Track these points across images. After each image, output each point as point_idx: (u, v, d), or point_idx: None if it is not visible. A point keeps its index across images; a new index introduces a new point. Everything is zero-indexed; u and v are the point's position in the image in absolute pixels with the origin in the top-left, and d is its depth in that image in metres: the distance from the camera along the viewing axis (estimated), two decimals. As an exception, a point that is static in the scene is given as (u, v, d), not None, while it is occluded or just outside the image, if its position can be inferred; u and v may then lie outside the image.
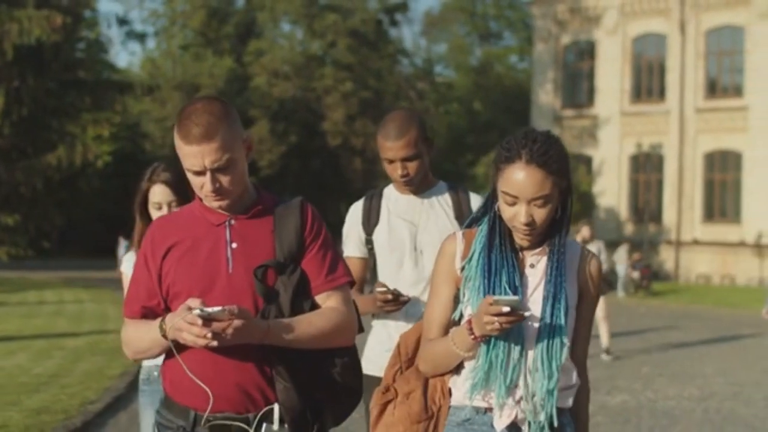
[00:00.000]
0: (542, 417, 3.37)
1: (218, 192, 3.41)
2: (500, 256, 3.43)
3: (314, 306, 3.52)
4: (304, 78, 57.54)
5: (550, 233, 3.44)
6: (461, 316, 3.49)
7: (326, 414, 3.51)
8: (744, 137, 43.63)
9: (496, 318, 3.16)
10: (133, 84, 42.04)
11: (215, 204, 3.48)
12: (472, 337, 3.32)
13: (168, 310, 3.47)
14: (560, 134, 47.84)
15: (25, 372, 12.26)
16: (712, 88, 45.60)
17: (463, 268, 3.50)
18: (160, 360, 4.39)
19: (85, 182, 43.85)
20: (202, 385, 3.33)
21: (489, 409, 3.44)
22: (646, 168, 46.36)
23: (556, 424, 3.38)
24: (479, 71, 72.20)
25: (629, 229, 46.27)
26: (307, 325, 3.41)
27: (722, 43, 45.21)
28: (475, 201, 4.77)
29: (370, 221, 4.85)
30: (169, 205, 4.92)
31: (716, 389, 12.73)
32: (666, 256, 44.97)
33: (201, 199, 3.56)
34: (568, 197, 3.44)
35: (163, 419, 3.55)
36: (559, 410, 3.40)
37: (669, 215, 45.52)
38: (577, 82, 50.27)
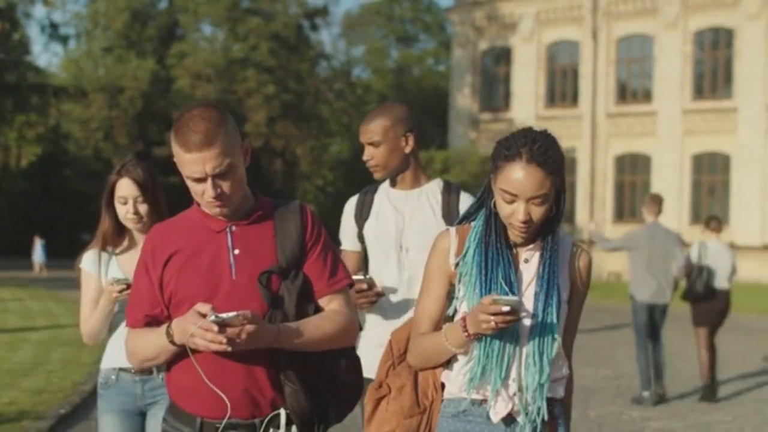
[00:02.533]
0: (534, 409, 3.41)
1: (220, 198, 3.38)
2: (496, 252, 3.45)
3: (317, 309, 3.52)
4: (226, 80, 58.12)
5: (544, 229, 3.47)
6: (455, 311, 3.52)
7: (330, 413, 3.51)
8: (652, 141, 45.25)
9: (492, 317, 3.19)
10: (66, 88, 42.60)
11: (216, 211, 3.45)
12: (466, 334, 3.34)
13: (170, 317, 3.45)
14: (477, 137, 49.31)
15: (6, 361, 13.33)
16: (623, 94, 47.17)
17: (457, 264, 3.52)
18: (121, 363, 4.71)
19: (9, 182, 44.29)
20: (220, 393, 3.34)
21: (484, 401, 3.46)
22: (560, 170, 47.85)
23: (546, 416, 3.42)
24: (397, 73, 73.20)
25: (544, 228, 47.75)
26: (314, 329, 3.42)
27: (632, 51, 46.79)
28: (465, 202, 4.78)
29: (362, 215, 4.91)
30: (135, 200, 4.84)
31: (626, 370, 14.24)
32: (579, 255, 46.53)
33: (199, 206, 3.54)
34: (561, 195, 3.46)
35: (169, 426, 3.54)
36: (552, 400, 3.47)
37: (582, 215, 47.08)
38: (494, 87, 51.40)
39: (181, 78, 57.92)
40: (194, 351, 3.31)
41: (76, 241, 57.04)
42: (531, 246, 3.49)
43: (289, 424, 3.42)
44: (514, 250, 3.49)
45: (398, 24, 77.47)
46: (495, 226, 3.48)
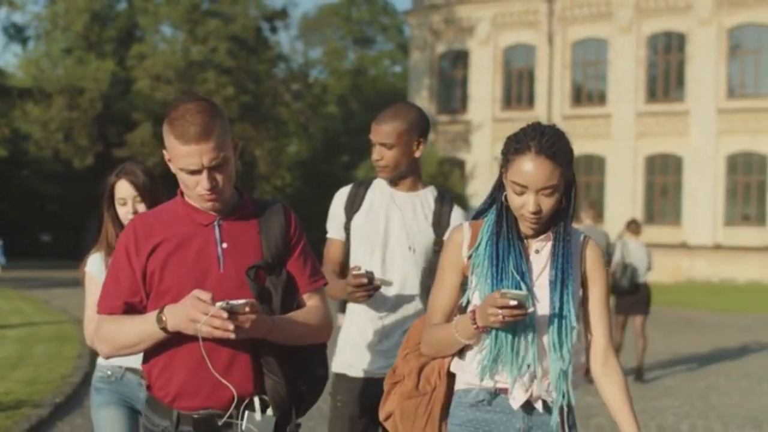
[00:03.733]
0: (558, 396, 3.46)
1: (214, 190, 3.41)
2: (507, 243, 3.50)
3: (300, 305, 3.59)
4: (186, 82, 58.29)
5: (555, 221, 3.54)
6: (468, 302, 3.58)
7: (303, 404, 3.58)
8: (607, 143, 45.95)
9: (500, 311, 3.23)
10: (31, 89, 42.85)
11: (208, 205, 3.49)
12: (475, 327, 3.39)
13: (148, 307, 3.46)
14: (435, 139, 49.84)
15: (-9, 356, 13.88)
16: (578, 97, 47.82)
17: (470, 257, 3.57)
18: (129, 363, 4.73)
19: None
20: (223, 380, 3.37)
21: (502, 390, 3.51)
22: (516, 171, 48.41)
23: (573, 402, 3.49)
24: (354, 74, 73.51)
25: (500, 228, 48.29)
26: (302, 322, 3.51)
27: (587, 54, 47.47)
28: (456, 215, 4.84)
29: (352, 207, 4.88)
30: (133, 201, 4.85)
31: (582, 362, 15.07)
32: (535, 254, 47.13)
33: (183, 197, 3.58)
34: (572, 188, 3.54)
35: (149, 422, 3.55)
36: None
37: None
38: (451, 90, 51.92)
39: (140, 79, 57.86)
40: (175, 341, 3.36)
41: (35, 241, 57.23)
42: (542, 237, 3.57)
43: (264, 409, 3.46)
44: (525, 242, 3.57)
45: (355, 26, 77.84)
46: (506, 219, 3.55)
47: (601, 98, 47.28)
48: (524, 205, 3.44)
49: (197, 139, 3.35)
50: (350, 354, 4.85)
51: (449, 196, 4.98)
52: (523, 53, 49.22)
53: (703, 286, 39.37)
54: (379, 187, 4.91)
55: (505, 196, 3.53)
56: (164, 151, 3.48)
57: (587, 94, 48.17)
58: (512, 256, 3.48)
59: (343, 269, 4.95)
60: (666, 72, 45.92)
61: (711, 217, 43.55)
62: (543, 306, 3.46)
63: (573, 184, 3.55)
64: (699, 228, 43.55)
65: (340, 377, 4.86)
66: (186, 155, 3.39)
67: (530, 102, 48.67)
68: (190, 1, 59.30)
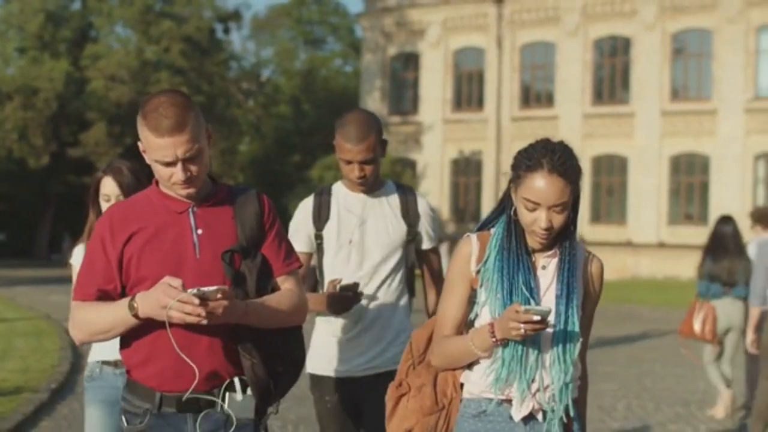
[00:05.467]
0: (559, 407, 3.48)
1: (188, 181, 3.46)
2: (516, 258, 3.49)
3: (274, 288, 3.62)
4: (139, 82, 58.54)
5: (561, 236, 3.54)
6: (476, 315, 3.57)
7: (280, 385, 3.61)
8: (554, 143, 46.98)
9: (523, 325, 3.24)
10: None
11: (183, 192, 3.51)
12: (494, 339, 3.40)
13: (124, 294, 3.49)
14: (387, 140, 50.67)
15: (-24, 350, 14.62)
16: (526, 99, 48.54)
17: (479, 271, 3.55)
18: (104, 356, 4.89)
19: None
20: (190, 362, 3.40)
21: (504, 401, 3.52)
22: (467, 172, 49.06)
23: (573, 413, 3.51)
24: (305, 74, 74.02)
25: (451, 227, 47.92)
26: (276, 305, 3.54)
27: (535, 57, 48.28)
28: (422, 203, 4.92)
29: (320, 217, 4.83)
30: (117, 198, 4.90)
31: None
32: (485, 253, 47.70)
33: (158, 187, 3.60)
34: (577, 203, 3.52)
35: (129, 405, 3.57)
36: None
37: (487, 215, 48.22)
38: (403, 91, 52.47)
39: (95, 79, 57.98)
40: (152, 326, 3.40)
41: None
42: (549, 253, 3.58)
43: (244, 389, 3.52)
44: (532, 257, 3.58)
45: (306, 26, 78.30)
46: (515, 233, 3.56)
47: (548, 100, 48.05)
48: (536, 221, 3.48)
49: (171, 131, 3.40)
50: (334, 354, 4.84)
51: (409, 187, 5.06)
52: (473, 56, 49.90)
53: (647, 283, 40.40)
54: (341, 193, 4.91)
55: (514, 211, 3.57)
56: (139, 143, 3.53)
57: (535, 96, 48.93)
58: (521, 272, 3.52)
59: (314, 283, 4.98)
60: (612, 75, 46.87)
61: (655, 217, 44.54)
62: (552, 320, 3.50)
63: (578, 200, 3.57)
64: (643, 227, 44.56)
65: (326, 379, 4.86)
66: (160, 147, 3.43)
67: (480, 104, 49.41)
68: (143, 2, 59.41)
